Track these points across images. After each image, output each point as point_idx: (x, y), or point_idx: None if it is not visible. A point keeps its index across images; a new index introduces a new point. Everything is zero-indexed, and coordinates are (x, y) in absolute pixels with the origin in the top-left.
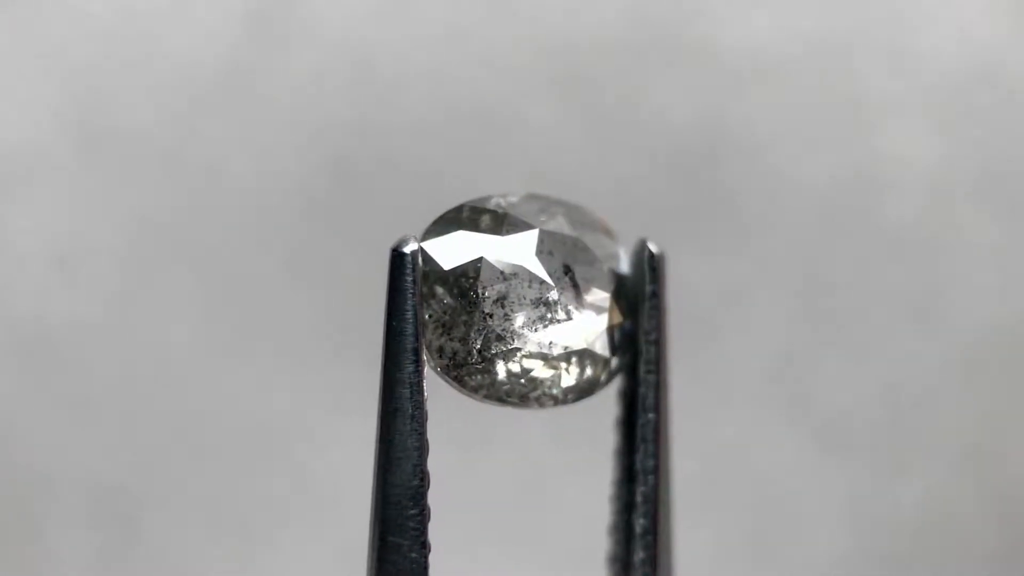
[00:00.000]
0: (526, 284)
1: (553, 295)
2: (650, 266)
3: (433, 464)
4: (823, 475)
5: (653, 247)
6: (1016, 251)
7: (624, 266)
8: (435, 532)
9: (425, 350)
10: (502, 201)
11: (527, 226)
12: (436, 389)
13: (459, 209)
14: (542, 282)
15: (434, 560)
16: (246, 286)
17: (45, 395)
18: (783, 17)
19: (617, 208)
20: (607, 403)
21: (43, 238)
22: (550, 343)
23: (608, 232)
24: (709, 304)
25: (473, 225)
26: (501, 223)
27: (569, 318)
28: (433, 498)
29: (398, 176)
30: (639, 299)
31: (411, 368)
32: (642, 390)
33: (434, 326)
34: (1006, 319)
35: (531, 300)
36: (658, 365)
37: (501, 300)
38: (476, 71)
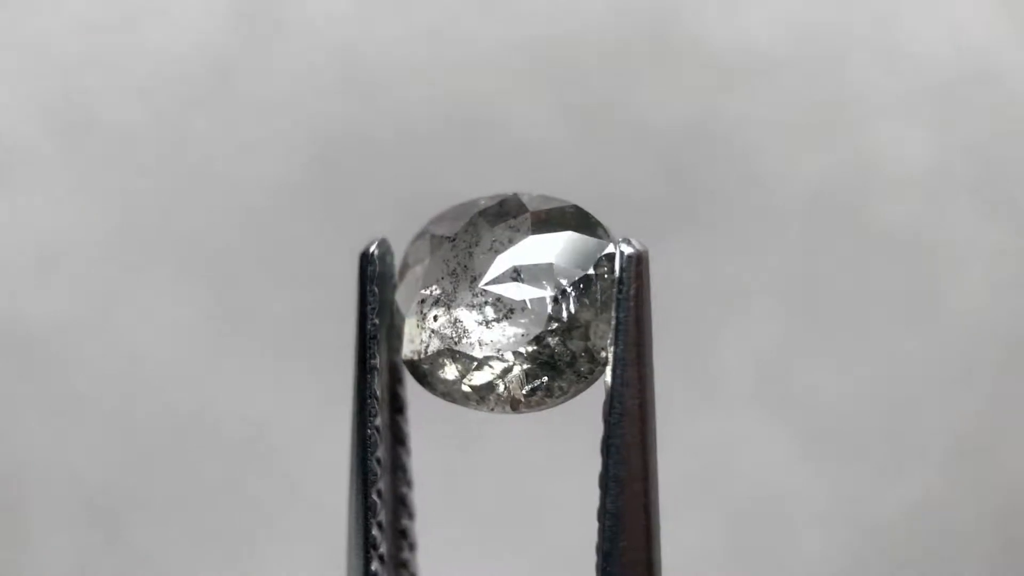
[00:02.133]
0: (467, 285)
1: (492, 296)
2: (621, 267)
3: (426, 463)
4: (815, 476)
5: (626, 247)
6: (1009, 251)
7: (615, 267)
8: (426, 532)
9: (400, 353)
10: (465, 204)
11: (486, 227)
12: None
13: (451, 210)
14: (484, 283)
15: (424, 560)
16: (230, 285)
17: (27, 394)
18: (774, 15)
19: (606, 207)
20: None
21: (25, 236)
22: (485, 343)
23: (598, 231)
24: (700, 303)
25: (444, 225)
26: (457, 224)
27: (508, 319)
28: (423, 498)
29: (385, 174)
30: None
31: (360, 371)
32: (605, 398)
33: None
34: (1000, 319)
35: (469, 303)
36: (622, 371)
37: (446, 302)
38: (464, 70)
